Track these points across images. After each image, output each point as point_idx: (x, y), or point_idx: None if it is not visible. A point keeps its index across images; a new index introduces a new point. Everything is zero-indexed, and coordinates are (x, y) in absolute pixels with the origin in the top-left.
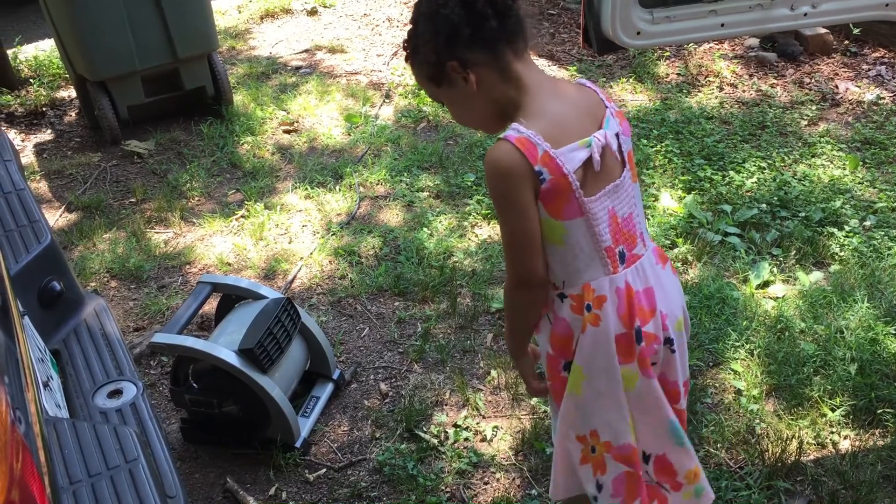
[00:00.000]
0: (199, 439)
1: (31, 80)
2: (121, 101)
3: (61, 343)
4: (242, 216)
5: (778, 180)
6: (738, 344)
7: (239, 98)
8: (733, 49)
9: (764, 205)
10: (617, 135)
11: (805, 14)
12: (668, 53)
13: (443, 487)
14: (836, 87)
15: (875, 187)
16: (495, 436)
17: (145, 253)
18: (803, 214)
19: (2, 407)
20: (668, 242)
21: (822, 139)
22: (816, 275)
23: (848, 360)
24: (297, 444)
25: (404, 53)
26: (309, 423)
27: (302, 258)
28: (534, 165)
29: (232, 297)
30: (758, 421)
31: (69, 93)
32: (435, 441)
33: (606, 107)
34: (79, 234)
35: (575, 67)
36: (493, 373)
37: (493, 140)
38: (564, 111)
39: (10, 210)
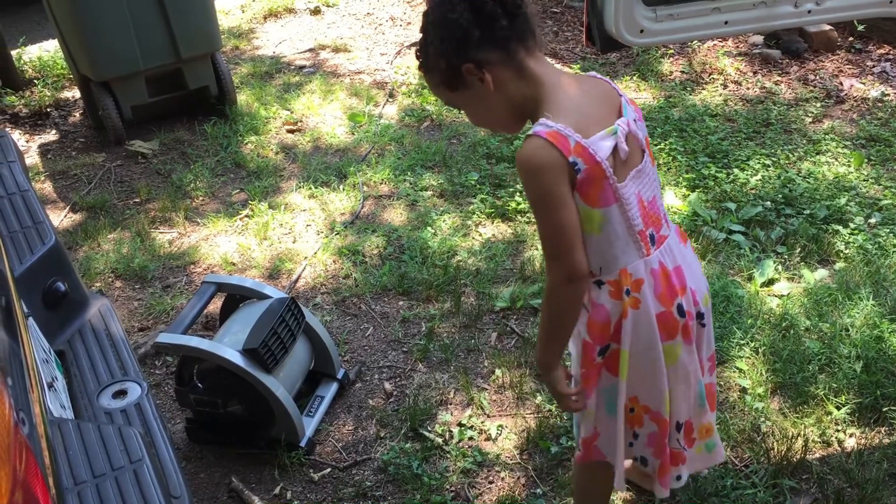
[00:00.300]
0: (203, 439)
1: (36, 81)
2: (124, 102)
3: (66, 344)
4: (246, 216)
5: (782, 178)
6: (742, 342)
7: (242, 98)
8: (737, 46)
9: (768, 202)
10: (634, 121)
11: (809, 11)
12: (671, 51)
13: (447, 487)
14: (841, 84)
15: (880, 184)
16: (500, 435)
17: (150, 253)
18: (808, 212)
19: (5, 409)
20: None
21: (826, 136)
22: (821, 272)
23: (853, 357)
24: (302, 444)
25: (418, 63)
26: (313, 422)
27: (306, 258)
28: (568, 157)
29: (236, 297)
30: (763, 419)
31: (73, 93)
32: (439, 440)
33: (620, 95)
34: (83, 235)
35: (578, 66)
36: (498, 372)
37: (495, 138)
38: (585, 103)
39: (15, 211)
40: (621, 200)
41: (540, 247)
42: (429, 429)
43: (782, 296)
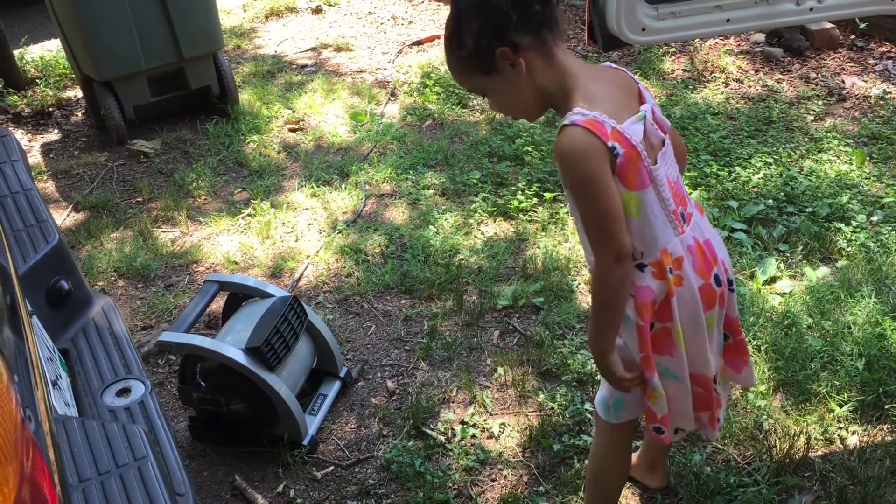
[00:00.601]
0: (207, 437)
1: (38, 81)
2: (127, 101)
3: (70, 342)
4: (249, 215)
5: (784, 176)
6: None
7: (244, 97)
8: (739, 44)
9: (770, 200)
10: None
11: (811, 9)
12: (673, 49)
13: (450, 484)
14: (843, 81)
15: (882, 182)
16: (502, 433)
17: (152, 252)
18: (810, 210)
19: (12, 405)
20: None
21: (828, 134)
22: (823, 270)
23: (855, 355)
24: (305, 442)
25: (446, 48)
26: (316, 420)
27: (308, 256)
28: (607, 142)
29: (239, 296)
30: (765, 417)
31: (75, 93)
32: (442, 438)
33: (636, 83)
34: (86, 234)
35: None
36: (500, 370)
37: (496, 138)
38: (611, 91)
39: (18, 210)
40: (656, 182)
41: (542, 246)
42: (431, 427)
43: (784, 294)
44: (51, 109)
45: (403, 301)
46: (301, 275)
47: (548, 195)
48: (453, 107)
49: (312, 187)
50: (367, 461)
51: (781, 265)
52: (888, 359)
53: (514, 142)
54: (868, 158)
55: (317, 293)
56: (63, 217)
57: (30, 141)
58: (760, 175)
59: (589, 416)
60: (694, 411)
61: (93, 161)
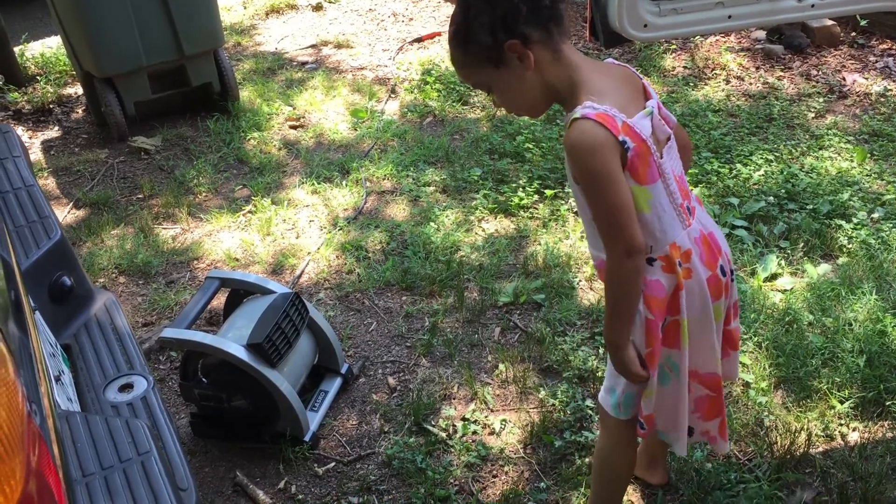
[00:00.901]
0: (208, 434)
1: (39, 78)
2: (127, 98)
3: (72, 338)
4: (249, 212)
5: (785, 173)
6: (745, 336)
7: (245, 94)
8: (740, 42)
9: (771, 197)
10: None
11: (812, 5)
12: (674, 46)
13: (451, 480)
14: (844, 79)
15: (883, 179)
16: (503, 429)
17: (153, 249)
18: (811, 207)
19: (18, 399)
20: None
21: (829, 131)
22: (824, 267)
23: (856, 352)
24: (306, 438)
25: (452, 41)
26: (317, 417)
27: (309, 253)
28: (617, 136)
29: (240, 292)
30: (766, 413)
31: (76, 90)
32: (443, 434)
33: (640, 79)
34: (87, 231)
35: None
36: (501, 366)
37: (497, 135)
38: (618, 86)
39: (20, 206)
40: (664, 176)
41: (543, 243)
42: (432, 423)
43: (785, 290)
44: (51, 106)
45: (404, 298)
46: (302, 271)
47: (549, 192)
48: (454, 104)
49: (313, 184)
50: (369, 457)
51: (782, 262)
52: (889, 355)
53: (514, 139)
54: (869, 155)
55: (318, 290)
56: (64, 214)
57: (30, 138)
58: (761, 172)
59: (590, 412)
60: (703, 421)
61: (93, 158)
